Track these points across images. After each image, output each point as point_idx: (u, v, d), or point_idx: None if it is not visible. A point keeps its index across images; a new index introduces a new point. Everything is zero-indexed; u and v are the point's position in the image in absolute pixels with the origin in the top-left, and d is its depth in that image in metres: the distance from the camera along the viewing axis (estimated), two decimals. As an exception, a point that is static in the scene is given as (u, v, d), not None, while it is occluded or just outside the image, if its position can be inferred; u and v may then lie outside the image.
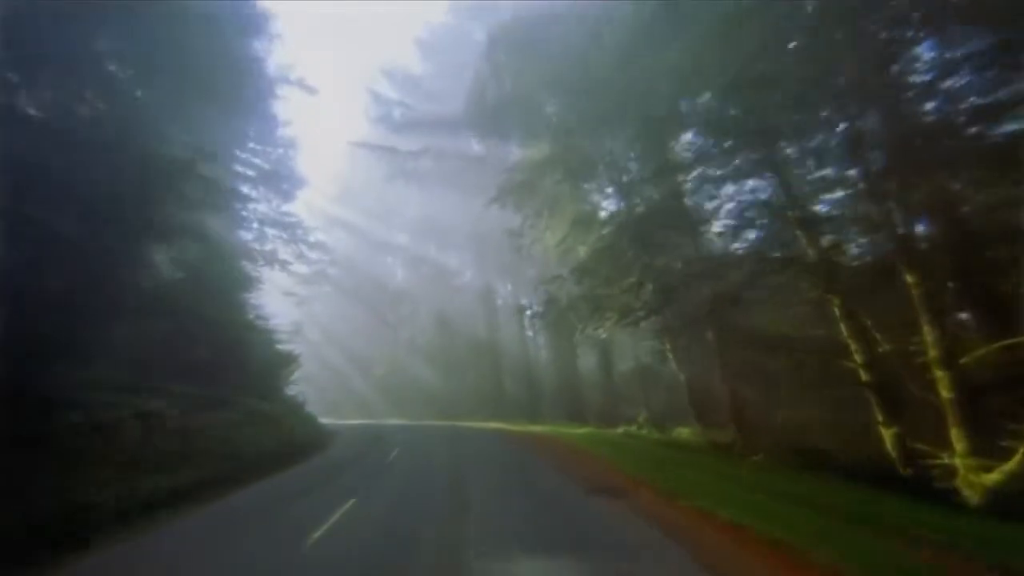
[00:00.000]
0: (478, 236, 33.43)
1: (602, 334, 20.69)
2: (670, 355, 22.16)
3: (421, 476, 10.62)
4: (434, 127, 28.97)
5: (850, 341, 14.84)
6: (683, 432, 17.17)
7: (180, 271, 20.12)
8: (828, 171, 16.29)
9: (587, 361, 35.26)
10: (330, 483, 10.22)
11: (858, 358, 14.70)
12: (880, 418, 14.13)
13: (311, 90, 30.37)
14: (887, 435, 14.00)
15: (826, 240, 15.76)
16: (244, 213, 35.45)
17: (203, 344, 21.18)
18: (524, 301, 18.90)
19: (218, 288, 23.51)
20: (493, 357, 36.81)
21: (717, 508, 6.66)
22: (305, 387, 47.34)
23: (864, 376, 14.42)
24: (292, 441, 16.47)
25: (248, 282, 28.12)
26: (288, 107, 48.54)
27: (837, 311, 15.17)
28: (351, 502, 7.96)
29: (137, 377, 13.14)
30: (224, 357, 21.60)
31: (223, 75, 24.93)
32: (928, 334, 13.12)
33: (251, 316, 30.26)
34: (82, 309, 13.22)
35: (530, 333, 39.29)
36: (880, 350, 14.74)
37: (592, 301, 16.24)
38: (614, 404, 29.14)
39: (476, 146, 27.36)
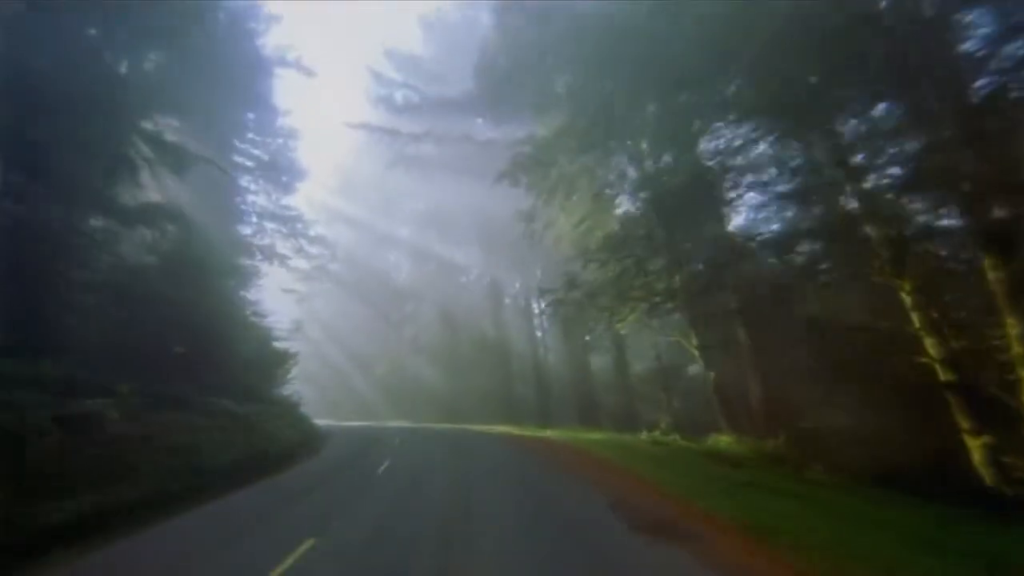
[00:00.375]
0: (485, 227, 31.09)
1: (622, 329, 18.27)
2: (696, 353, 19.71)
3: (413, 498, 8.24)
4: (438, 110, 26.69)
5: (924, 334, 12.35)
6: (720, 440, 14.66)
7: (154, 256, 17.88)
8: (888, 145, 14.00)
9: (598, 362, 32.82)
10: (294, 508, 7.84)
11: (934, 353, 12.21)
12: (965, 425, 11.68)
13: (309, 72, 28.28)
14: (974, 446, 11.49)
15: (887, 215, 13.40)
16: (243, 207, 33.44)
17: (181, 338, 18.99)
18: (540, 287, 16.37)
19: (202, 278, 21.29)
20: (500, 356, 34.35)
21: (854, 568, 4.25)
22: (305, 387, 45.10)
23: (943, 375, 11.93)
24: (270, 448, 14.13)
25: (238, 272, 25.98)
26: (289, 99, 46.47)
27: (907, 299, 12.71)
28: (308, 544, 5.59)
29: (79, 372, 10.89)
30: (205, 353, 19.38)
31: (213, 48, 22.94)
32: (1012, 327, 10.74)
33: (247, 312, 28.27)
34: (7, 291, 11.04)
35: (539, 334, 36.86)
36: (953, 345, 12.36)
37: (618, 286, 13.81)
38: (630, 407, 26.66)
39: (482, 129, 25.10)
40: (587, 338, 29.36)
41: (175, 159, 15.39)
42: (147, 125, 18.20)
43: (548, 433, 21.43)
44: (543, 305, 18.29)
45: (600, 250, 14.04)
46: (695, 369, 28.36)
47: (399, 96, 28.32)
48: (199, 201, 24.69)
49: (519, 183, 16.67)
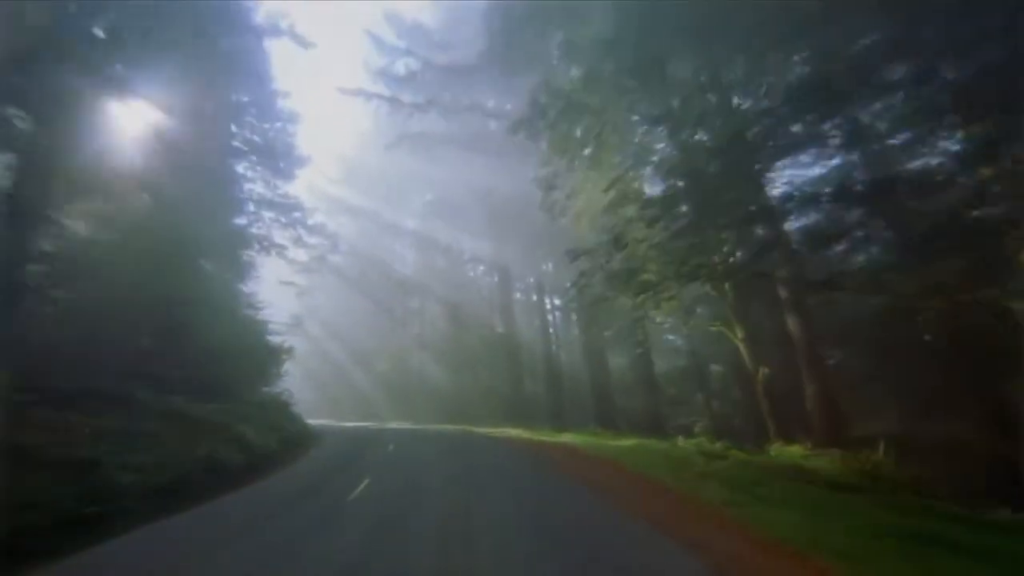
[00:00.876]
0: (495, 213, 27.84)
1: (661, 315, 14.94)
2: (741, 346, 16.35)
3: (386, 551, 5.00)
4: (444, 78, 23.57)
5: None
6: (789, 451, 11.25)
7: (113, 231, 14.77)
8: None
9: (614, 361, 29.37)
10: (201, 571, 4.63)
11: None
12: None
13: (304, 42, 25.27)
14: None
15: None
16: (239, 194, 30.57)
17: (145, 327, 15.97)
18: (575, 250, 12.93)
19: (178, 262, 18.30)
20: (510, 354, 30.98)
21: None
22: (305, 385, 41.91)
23: None
24: (231, 459, 10.92)
25: (226, 258, 23.02)
26: (289, 86, 43.57)
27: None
28: None
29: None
30: (175, 345, 16.31)
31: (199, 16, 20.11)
32: None
33: (238, 303, 25.40)
34: None
35: (552, 330, 33.49)
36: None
37: (670, 252, 10.44)
38: (655, 409, 23.27)
39: (492, 98, 21.87)
40: (606, 333, 26.04)
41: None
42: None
43: (566, 438, 18.09)
44: (568, 285, 14.95)
45: (650, 206, 10.67)
46: (717, 368, 24.95)
47: (401, 66, 25.20)
48: (189, 185, 21.82)
49: (538, 134, 13.33)
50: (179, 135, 21.34)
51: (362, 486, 8.54)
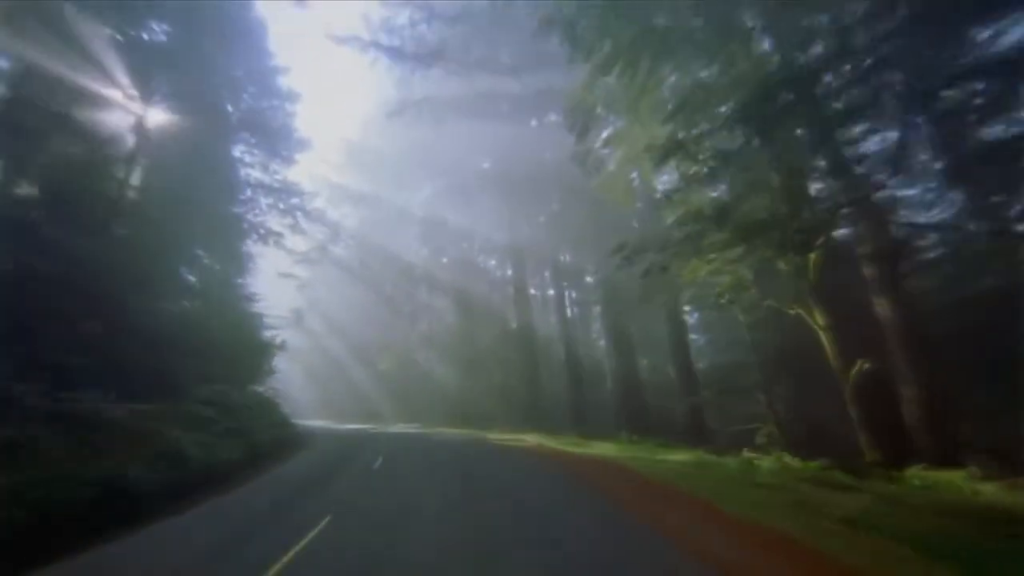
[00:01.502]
0: (510, 192, 24.51)
1: (727, 294, 11.43)
2: (823, 335, 12.81)
3: None
4: (452, 34, 20.34)
5: None
6: (947, 477, 7.64)
7: (28, 184, 11.66)
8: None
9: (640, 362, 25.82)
10: None
11: None
12: None
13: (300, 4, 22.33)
14: None
15: None
16: (235, 179, 27.72)
17: (82, 308, 12.90)
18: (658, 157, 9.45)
19: (150, 239, 15.30)
20: (525, 352, 27.51)
21: None
22: (305, 383, 38.97)
23: None
24: (140, 484, 7.63)
25: (212, 240, 20.14)
26: (287, 59, 40.55)
27: None
28: None
29: None
30: (121, 334, 13.20)
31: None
32: None
33: (233, 295, 22.76)
34: None
35: (570, 330, 29.96)
36: None
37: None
38: (697, 413, 19.62)
39: (505, 56, 18.53)
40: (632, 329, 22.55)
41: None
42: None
43: (599, 449, 14.58)
44: (611, 253, 11.52)
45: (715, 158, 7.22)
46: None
47: (404, 17, 21.89)
48: (174, 162, 18.96)
49: (575, 41, 9.71)
50: (170, 108, 18.81)
51: (309, 538, 5.16)
